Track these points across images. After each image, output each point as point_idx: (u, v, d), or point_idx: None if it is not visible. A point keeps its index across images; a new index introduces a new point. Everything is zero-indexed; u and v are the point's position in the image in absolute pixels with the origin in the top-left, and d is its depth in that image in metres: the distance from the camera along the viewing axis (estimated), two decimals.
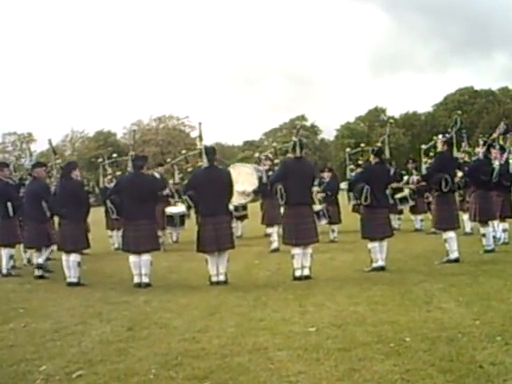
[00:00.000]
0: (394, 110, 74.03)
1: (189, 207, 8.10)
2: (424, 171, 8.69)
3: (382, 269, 8.04)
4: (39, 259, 8.92)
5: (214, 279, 7.69)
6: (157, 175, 11.99)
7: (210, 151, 8.07)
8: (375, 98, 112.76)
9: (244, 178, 12.25)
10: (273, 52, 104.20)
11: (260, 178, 11.60)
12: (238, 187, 10.72)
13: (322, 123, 79.20)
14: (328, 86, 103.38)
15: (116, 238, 12.67)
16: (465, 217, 11.42)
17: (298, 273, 7.69)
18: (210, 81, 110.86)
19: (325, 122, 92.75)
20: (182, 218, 11.86)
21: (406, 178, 13.14)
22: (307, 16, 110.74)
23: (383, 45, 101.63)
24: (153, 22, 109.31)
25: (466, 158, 11.10)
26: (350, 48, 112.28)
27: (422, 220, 13.77)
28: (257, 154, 14.34)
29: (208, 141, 9.15)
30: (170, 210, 11.87)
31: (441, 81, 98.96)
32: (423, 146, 9.23)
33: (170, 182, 13.22)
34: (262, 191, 11.54)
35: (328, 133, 72.49)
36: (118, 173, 13.60)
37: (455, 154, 8.91)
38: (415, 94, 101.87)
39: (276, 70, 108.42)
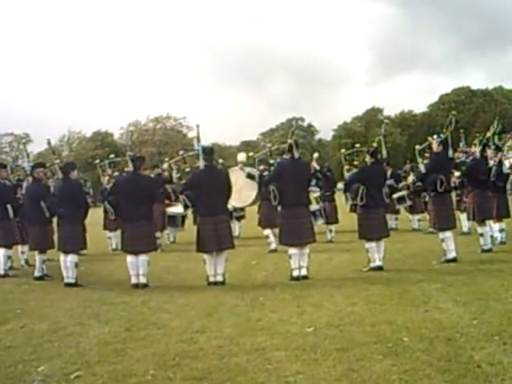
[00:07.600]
0: (391, 110, 73.49)
1: (186, 207, 8.12)
2: (423, 171, 8.69)
3: (379, 269, 8.05)
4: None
5: (212, 279, 7.68)
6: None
7: (208, 151, 8.07)
8: (384, 97, 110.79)
9: (242, 184, 12.20)
10: (277, 50, 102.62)
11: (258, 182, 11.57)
12: (237, 196, 10.63)
13: (323, 123, 78.70)
14: (334, 84, 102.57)
15: (114, 238, 12.65)
16: (462, 216, 11.45)
17: (295, 273, 7.70)
18: (209, 80, 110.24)
19: (325, 122, 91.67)
20: (183, 218, 11.83)
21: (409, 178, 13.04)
22: (314, 11, 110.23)
23: (394, 42, 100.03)
24: (150, 19, 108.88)
25: (464, 158, 11.11)
26: (359, 45, 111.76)
27: (419, 220, 13.78)
28: (251, 154, 14.26)
29: (205, 141, 9.10)
30: (171, 210, 11.82)
31: (453, 79, 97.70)
32: (417, 147, 9.21)
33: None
34: (261, 193, 11.52)
35: (326, 133, 72.53)
36: (116, 173, 13.56)
37: (450, 154, 8.91)
38: (428, 92, 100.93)
39: (280, 68, 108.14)
